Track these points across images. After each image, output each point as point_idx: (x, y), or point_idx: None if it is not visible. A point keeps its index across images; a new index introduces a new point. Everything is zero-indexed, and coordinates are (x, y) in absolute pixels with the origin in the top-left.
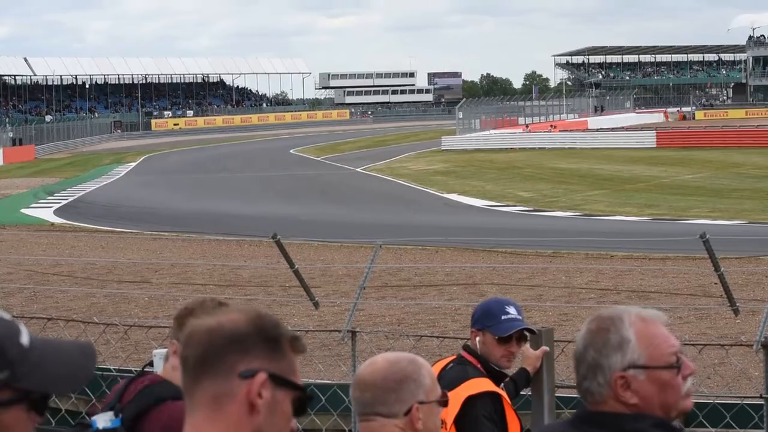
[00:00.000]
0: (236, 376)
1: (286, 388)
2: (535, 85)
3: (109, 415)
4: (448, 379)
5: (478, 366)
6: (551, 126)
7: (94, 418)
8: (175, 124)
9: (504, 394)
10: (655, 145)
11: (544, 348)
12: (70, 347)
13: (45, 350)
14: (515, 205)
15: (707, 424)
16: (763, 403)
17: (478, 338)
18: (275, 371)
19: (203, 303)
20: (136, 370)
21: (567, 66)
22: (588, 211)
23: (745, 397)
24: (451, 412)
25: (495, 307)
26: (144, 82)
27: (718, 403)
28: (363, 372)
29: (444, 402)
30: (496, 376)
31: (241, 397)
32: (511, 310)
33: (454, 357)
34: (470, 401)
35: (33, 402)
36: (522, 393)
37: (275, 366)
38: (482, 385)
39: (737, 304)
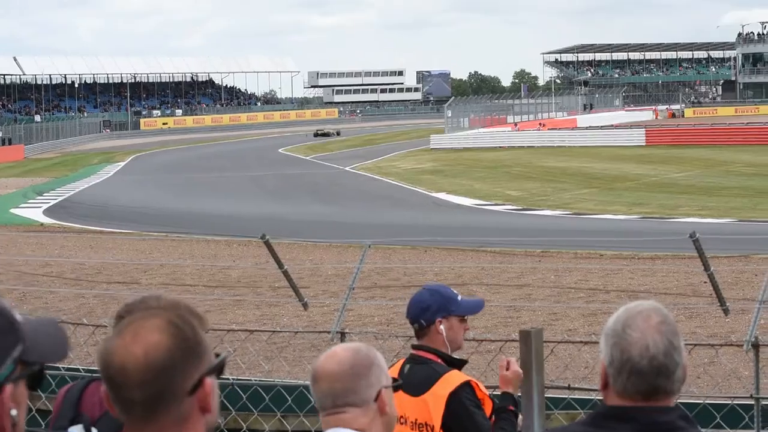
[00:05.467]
0: (186, 396)
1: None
2: (524, 83)
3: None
4: (418, 381)
5: (439, 361)
6: (540, 124)
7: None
8: (164, 124)
9: (474, 380)
10: (644, 143)
11: (518, 371)
12: (44, 322)
13: (29, 325)
14: (504, 204)
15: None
16: (753, 403)
17: (443, 326)
18: (209, 366)
19: (144, 301)
20: None
21: (556, 64)
22: (577, 210)
23: (735, 397)
24: (436, 414)
25: (446, 292)
26: (133, 81)
27: (708, 403)
28: (327, 365)
29: (397, 386)
30: (458, 365)
31: (196, 408)
32: (453, 290)
33: (403, 359)
34: (454, 396)
35: (31, 376)
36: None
37: (207, 360)
38: (457, 377)
39: (727, 304)
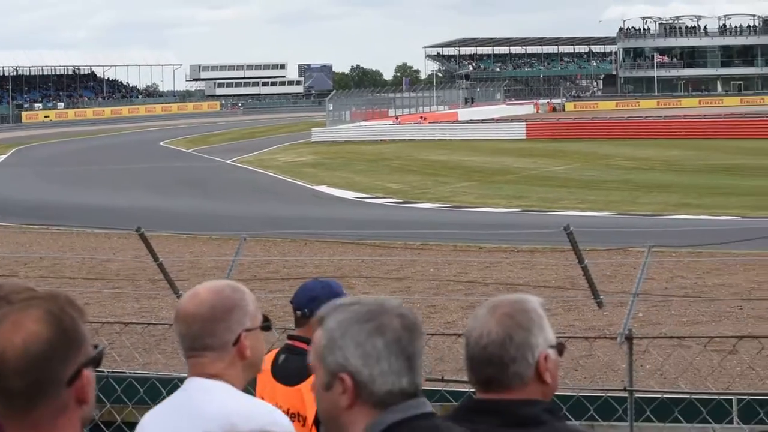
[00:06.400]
0: (65, 386)
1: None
2: (406, 76)
3: None
4: (293, 372)
5: None
6: (421, 118)
7: None
8: (45, 117)
9: None
10: (524, 137)
11: None
12: None
13: None
14: (384, 197)
15: (571, 417)
16: (626, 395)
17: None
18: (87, 357)
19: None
20: None
21: (438, 58)
22: (457, 203)
23: (609, 390)
24: (310, 404)
25: (336, 288)
26: (15, 74)
27: (582, 395)
28: (187, 305)
29: (267, 326)
30: None
31: (73, 399)
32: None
33: (278, 349)
34: None
35: None
36: None
37: (85, 351)
38: None
39: (600, 297)
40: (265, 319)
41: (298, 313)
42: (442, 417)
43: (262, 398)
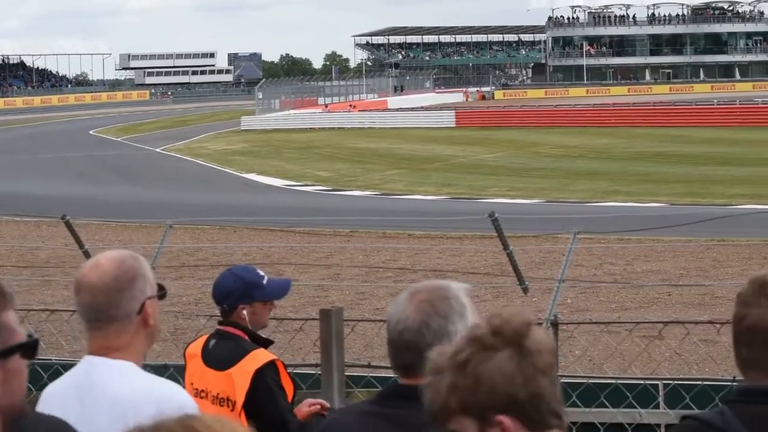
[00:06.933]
0: None
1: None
2: (335, 65)
3: None
4: (224, 356)
5: (247, 338)
6: (351, 106)
7: None
8: None
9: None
10: (454, 125)
11: (316, 407)
12: None
13: None
14: (314, 185)
15: None
16: None
17: (245, 311)
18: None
19: None
20: None
21: (367, 46)
22: (386, 191)
23: None
24: (240, 389)
25: (250, 277)
26: None
27: None
28: (91, 276)
29: (162, 294)
30: (265, 344)
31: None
32: (259, 271)
33: (208, 335)
34: (260, 374)
35: None
36: (311, 372)
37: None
38: (264, 355)
39: (526, 283)
40: (160, 287)
41: (220, 308)
42: (365, 402)
43: (192, 383)
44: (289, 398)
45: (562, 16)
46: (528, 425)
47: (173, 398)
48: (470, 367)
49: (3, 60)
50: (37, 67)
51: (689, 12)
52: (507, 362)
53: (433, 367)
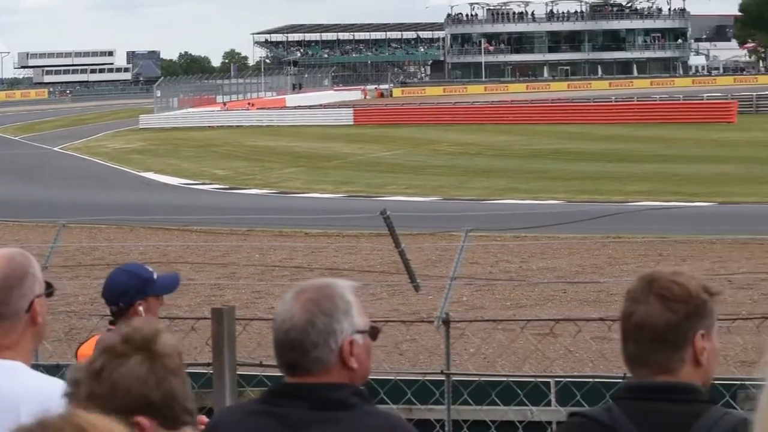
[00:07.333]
0: None
1: None
2: (234, 63)
3: None
4: None
5: None
6: (249, 104)
7: None
8: None
9: None
10: (352, 123)
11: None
12: None
13: None
14: (211, 183)
15: (388, 401)
16: (444, 379)
17: (141, 307)
18: None
19: None
20: None
21: (266, 44)
22: (284, 189)
23: (426, 373)
24: None
25: (143, 273)
26: None
27: (399, 379)
28: None
29: (50, 292)
30: None
31: None
32: (148, 266)
33: (99, 335)
34: None
35: None
36: (203, 372)
37: None
38: None
39: (417, 281)
40: (48, 285)
41: (113, 308)
42: (253, 400)
43: None
44: None
45: (460, 13)
46: (164, 424)
47: (62, 397)
48: (105, 374)
49: None
50: None
51: (588, 9)
52: (139, 366)
53: (70, 379)
